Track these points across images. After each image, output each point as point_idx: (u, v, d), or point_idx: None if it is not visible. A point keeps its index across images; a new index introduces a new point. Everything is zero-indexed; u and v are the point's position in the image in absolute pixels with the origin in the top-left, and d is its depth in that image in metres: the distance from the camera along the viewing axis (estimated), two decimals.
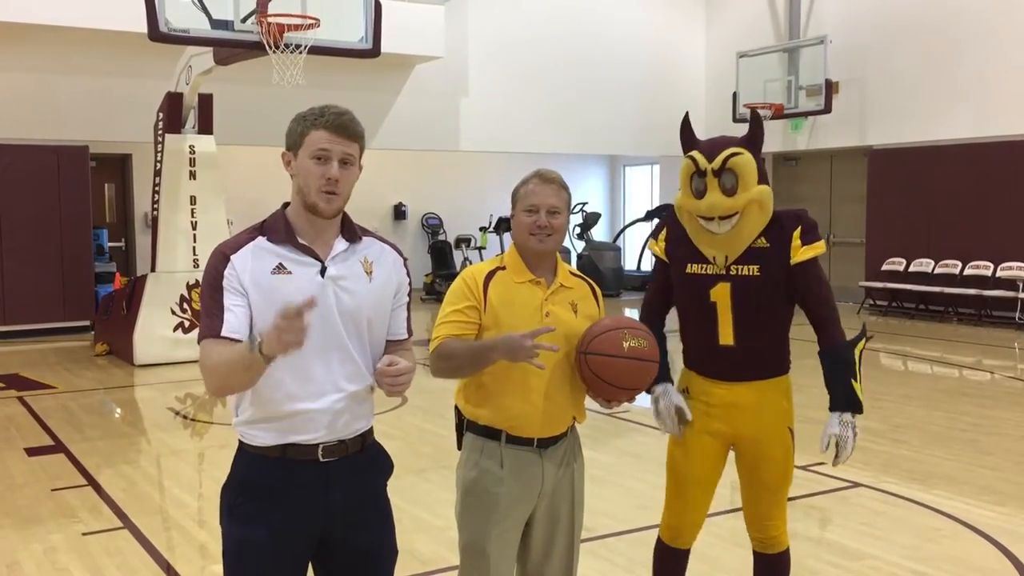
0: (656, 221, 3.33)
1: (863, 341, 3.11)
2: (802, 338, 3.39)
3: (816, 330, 3.11)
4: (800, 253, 3.00)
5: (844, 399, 3.04)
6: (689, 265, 3.10)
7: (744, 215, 2.98)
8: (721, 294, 3.03)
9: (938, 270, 13.52)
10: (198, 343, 2.37)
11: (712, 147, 3.03)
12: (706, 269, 3.06)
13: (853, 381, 3.03)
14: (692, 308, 3.10)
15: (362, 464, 2.46)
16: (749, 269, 3.02)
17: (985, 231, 13.01)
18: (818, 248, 3.03)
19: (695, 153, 3.05)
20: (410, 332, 2.59)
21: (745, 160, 2.98)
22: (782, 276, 3.02)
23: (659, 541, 3.32)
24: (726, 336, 3.04)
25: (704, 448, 3.15)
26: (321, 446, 2.38)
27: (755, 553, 3.28)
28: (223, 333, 2.29)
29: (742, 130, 3.20)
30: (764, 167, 3.07)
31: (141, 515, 5.22)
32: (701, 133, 3.17)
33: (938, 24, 13.49)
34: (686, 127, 3.17)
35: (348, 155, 2.37)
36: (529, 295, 2.81)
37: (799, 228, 3.02)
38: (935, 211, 13.60)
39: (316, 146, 2.34)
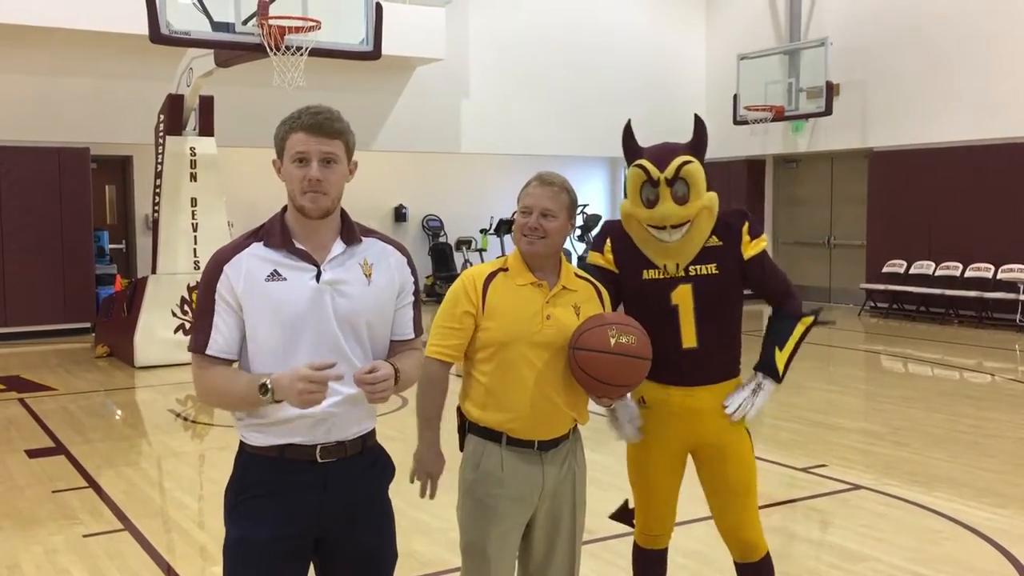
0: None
1: (811, 318, 3.17)
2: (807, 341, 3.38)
3: (776, 304, 3.20)
4: (751, 247, 3.08)
5: (764, 362, 3.14)
6: (645, 271, 3.08)
7: (695, 222, 3.02)
8: (683, 296, 3.03)
9: (939, 272, 13.51)
10: (188, 350, 2.42)
11: (660, 155, 3.04)
12: (663, 273, 3.06)
13: (778, 349, 3.11)
14: (651, 314, 3.02)
15: (362, 466, 2.46)
16: (707, 268, 3.05)
17: (986, 233, 13.01)
18: (763, 241, 3.12)
19: (644, 162, 3.05)
20: (418, 331, 2.58)
21: (696, 168, 3.01)
22: (737, 272, 3.08)
23: (635, 545, 3.33)
24: (689, 338, 3.04)
25: (664, 457, 3.15)
26: (319, 447, 2.38)
27: (736, 564, 3.24)
28: (208, 352, 2.35)
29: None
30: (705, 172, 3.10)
31: (142, 517, 5.22)
32: None
33: (939, 26, 13.49)
34: (628, 135, 3.18)
35: (328, 153, 2.35)
36: (530, 298, 2.80)
37: (746, 224, 3.09)
38: (936, 213, 13.60)
39: (295, 149, 2.34)
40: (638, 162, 3.07)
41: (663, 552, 3.32)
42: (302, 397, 2.22)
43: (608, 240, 3.16)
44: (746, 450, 3.14)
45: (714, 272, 3.04)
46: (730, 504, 3.15)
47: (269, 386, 2.27)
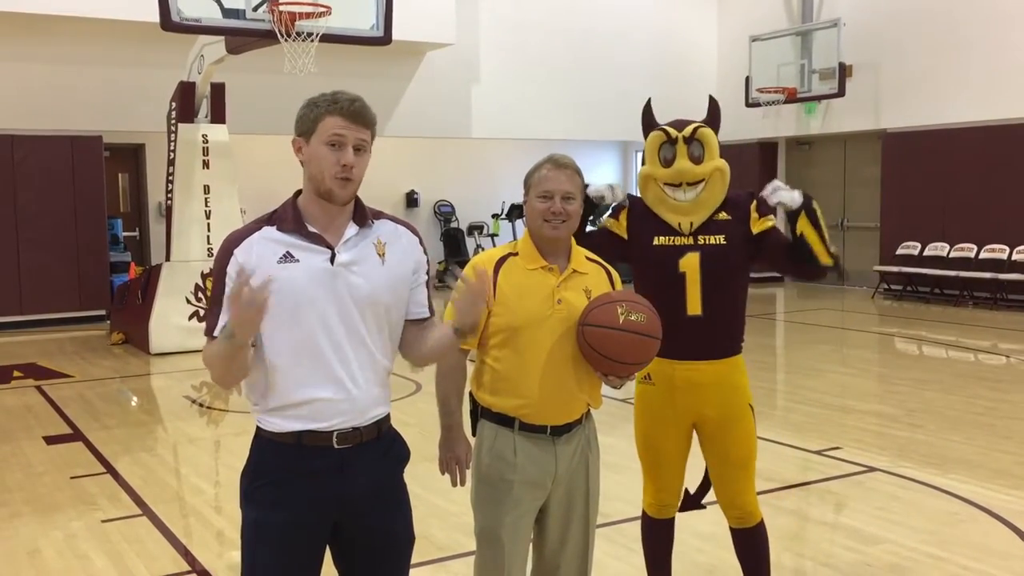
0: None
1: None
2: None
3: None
4: (759, 224, 3.26)
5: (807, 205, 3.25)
6: (656, 238, 3.25)
7: (708, 183, 3.22)
8: (690, 264, 3.19)
9: (953, 254, 13.44)
10: (204, 335, 2.43)
11: (677, 122, 3.31)
12: (674, 240, 3.23)
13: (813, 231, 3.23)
14: (659, 280, 3.22)
15: (378, 451, 2.46)
16: (716, 239, 3.21)
17: (1000, 214, 12.92)
18: (771, 221, 3.28)
19: (665, 126, 3.29)
20: (432, 311, 2.59)
21: (710, 133, 3.27)
22: (744, 247, 3.24)
23: (644, 516, 3.47)
24: (694, 306, 3.18)
25: (670, 428, 3.29)
26: (336, 433, 2.38)
27: (732, 529, 3.40)
28: (215, 333, 2.35)
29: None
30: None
31: (159, 502, 5.27)
32: None
33: (952, 6, 13.37)
34: (648, 111, 3.41)
35: (361, 141, 2.37)
36: (541, 282, 2.79)
37: (754, 202, 3.28)
38: (950, 194, 13.52)
39: (330, 132, 2.33)
40: (658, 127, 3.30)
41: (671, 522, 3.46)
42: (240, 315, 2.16)
43: (626, 208, 3.36)
44: (748, 425, 3.29)
45: (722, 243, 3.21)
46: (731, 475, 3.31)
47: (229, 325, 2.23)
